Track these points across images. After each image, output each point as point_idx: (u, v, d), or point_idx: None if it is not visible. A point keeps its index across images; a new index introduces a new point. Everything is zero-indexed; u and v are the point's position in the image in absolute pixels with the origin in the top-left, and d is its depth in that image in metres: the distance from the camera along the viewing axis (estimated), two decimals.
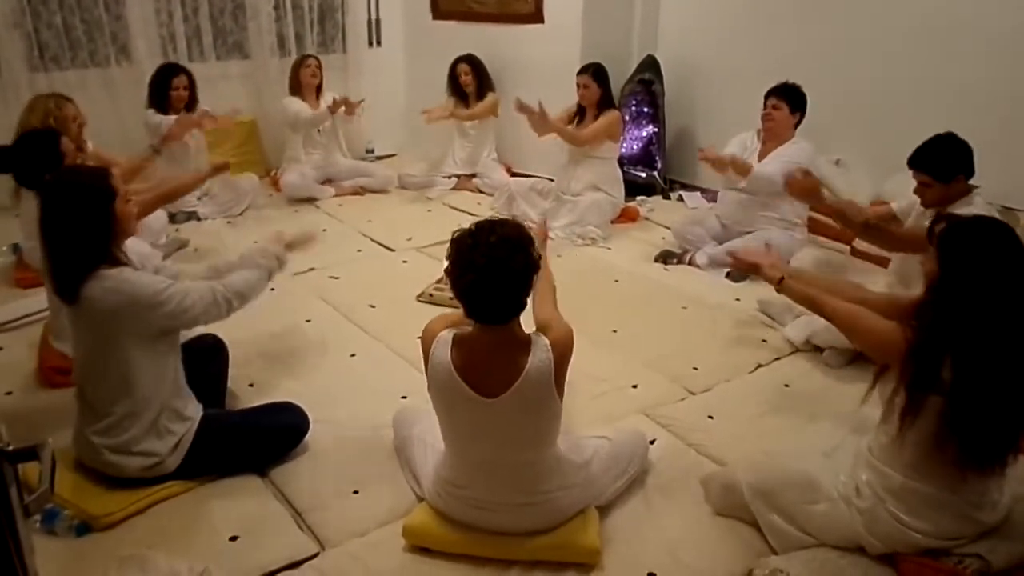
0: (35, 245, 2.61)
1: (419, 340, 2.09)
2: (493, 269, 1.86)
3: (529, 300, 2.01)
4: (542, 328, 2.05)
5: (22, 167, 3.09)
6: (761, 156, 4.10)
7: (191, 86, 4.72)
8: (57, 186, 2.25)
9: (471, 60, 5.47)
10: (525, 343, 1.98)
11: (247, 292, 2.43)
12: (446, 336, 2.02)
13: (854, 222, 3.15)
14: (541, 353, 1.96)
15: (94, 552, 2.13)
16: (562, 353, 1.99)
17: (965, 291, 1.83)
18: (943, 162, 2.90)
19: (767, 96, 4.06)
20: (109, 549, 2.12)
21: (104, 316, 2.17)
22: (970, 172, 2.92)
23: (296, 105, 5.23)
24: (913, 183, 3.02)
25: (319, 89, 5.34)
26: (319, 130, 5.34)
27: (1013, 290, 1.82)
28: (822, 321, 2.85)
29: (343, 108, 5.19)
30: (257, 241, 2.73)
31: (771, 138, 4.08)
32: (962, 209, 2.83)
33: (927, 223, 2.48)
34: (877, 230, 3.10)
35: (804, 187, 3.34)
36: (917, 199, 3.10)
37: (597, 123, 4.59)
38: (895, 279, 3.20)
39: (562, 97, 4.79)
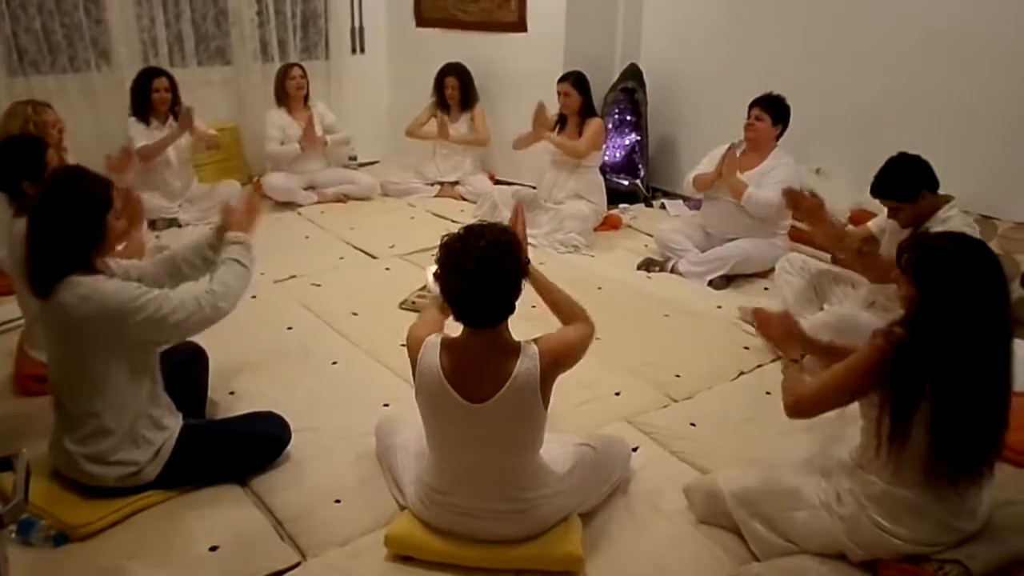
0: (8, 253, 2.57)
1: (402, 348, 2.08)
2: (483, 273, 1.88)
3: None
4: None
5: (2, 171, 3.05)
6: (742, 165, 4.13)
7: (173, 88, 4.70)
8: (60, 181, 2.23)
9: (459, 72, 5.45)
10: (514, 349, 1.99)
11: (232, 283, 2.32)
12: (434, 340, 2.03)
13: (849, 249, 3.16)
14: (528, 361, 1.97)
15: (71, 563, 2.10)
16: (552, 362, 1.99)
17: (948, 316, 1.83)
18: (903, 184, 2.90)
19: (751, 107, 4.08)
20: (87, 560, 2.10)
21: (75, 323, 2.13)
22: (933, 185, 2.92)
23: (271, 131, 5.22)
24: None
25: (306, 99, 5.32)
26: (302, 148, 5.28)
27: (992, 307, 1.84)
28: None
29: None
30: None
31: (753, 148, 4.10)
32: (939, 227, 2.82)
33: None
34: (869, 258, 3.10)
35: (809, 208, 3.31)
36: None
37: (588, 132, 4.62)
38: (877, 288, 3.22)
39: (545, 105, 4.80)
